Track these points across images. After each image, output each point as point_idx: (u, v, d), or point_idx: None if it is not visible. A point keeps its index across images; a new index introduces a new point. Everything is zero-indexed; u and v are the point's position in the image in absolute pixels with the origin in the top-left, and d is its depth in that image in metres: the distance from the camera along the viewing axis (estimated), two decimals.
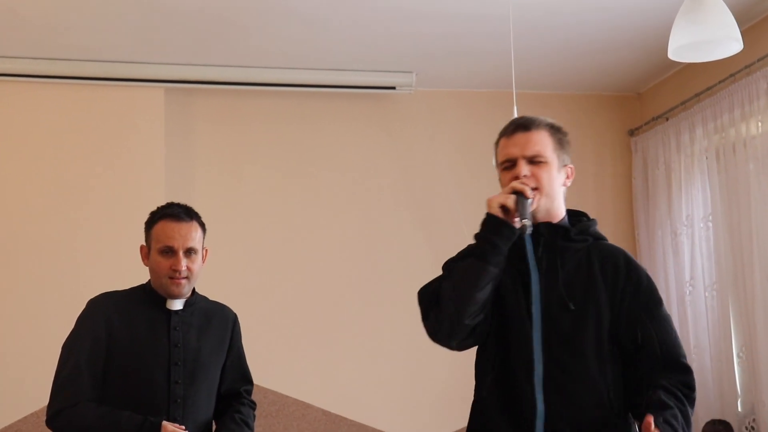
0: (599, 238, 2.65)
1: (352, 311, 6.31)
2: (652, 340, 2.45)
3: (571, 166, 2.64)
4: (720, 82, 5.66)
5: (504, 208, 2.45)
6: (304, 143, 6.41)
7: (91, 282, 5.63)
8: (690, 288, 6.02)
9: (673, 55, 4.18)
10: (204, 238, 3.28)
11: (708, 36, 3.95)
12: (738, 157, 5.56)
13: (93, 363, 3.01)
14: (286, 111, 6.40)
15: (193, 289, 3.29)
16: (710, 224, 5.88)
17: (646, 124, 6.58)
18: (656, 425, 2.23)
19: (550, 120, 2.63)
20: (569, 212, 2.63)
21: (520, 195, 2.44)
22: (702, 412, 5.74)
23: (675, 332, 2.53)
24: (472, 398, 2.68)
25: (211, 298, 6.03)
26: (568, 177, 2.62)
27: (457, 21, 5.36)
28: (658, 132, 6.40)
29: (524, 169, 2.51)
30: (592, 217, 2.83)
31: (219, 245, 6.15)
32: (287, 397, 6.12)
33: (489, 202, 2.49)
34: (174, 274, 3.11)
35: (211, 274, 6.09)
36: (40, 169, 5.88)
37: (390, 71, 6.22)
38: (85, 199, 5.90)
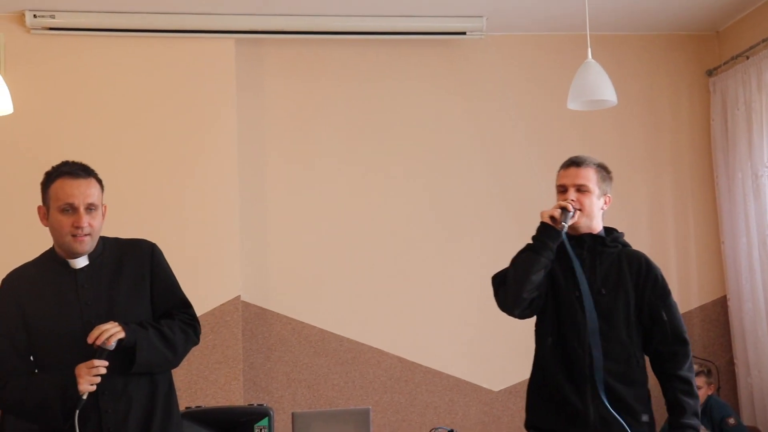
0: (626, 245, 3.53)
1: (425, 261, 6.25)
2: (663, 320, 3.39)
3: (610, 195, 3.52)
4: None
5: (552, 218, 3.38)
6: (373, 91, 6.30)
7: (174, 231, 5.71)
8: None
9: None
10: (102, 194, 3.14)
11: None
12: None
13: (15, 344, 3.03)
14: (355, 59, 6.29)
15: (100, 238, 3.16)
16: None
17: (725, 63, 6.32)
18: None
19: (597, 160, 3.52)
20: (605, 228, 3.55)
21: (564, 210, 3.38)
22: None
23: (680, 315, 3.45)
24: (533, 351, 3.57)
25: (282, 248, 6.10)
26: (606, 203, 3.51)
27: None
28: (738, 71, 6.13)
29: (572, 194, 3.43)
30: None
31: (291, 195, 6.18)
32: (363, 344, 6.13)
33: (542, 214, 3.41)
34: (76, 232, 3.01)
35: (283, 225, 6.12)
36: (117, 121, 5.86)
37: (460, 16, 6.02)
38: (160, 150, 5.87)
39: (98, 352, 2.91)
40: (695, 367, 5.66)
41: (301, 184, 6.19)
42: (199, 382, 5.68)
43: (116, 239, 3.23)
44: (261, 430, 4.28)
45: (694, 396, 3.38)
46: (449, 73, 6.35)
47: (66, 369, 2.94)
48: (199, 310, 5.34)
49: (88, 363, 2.90)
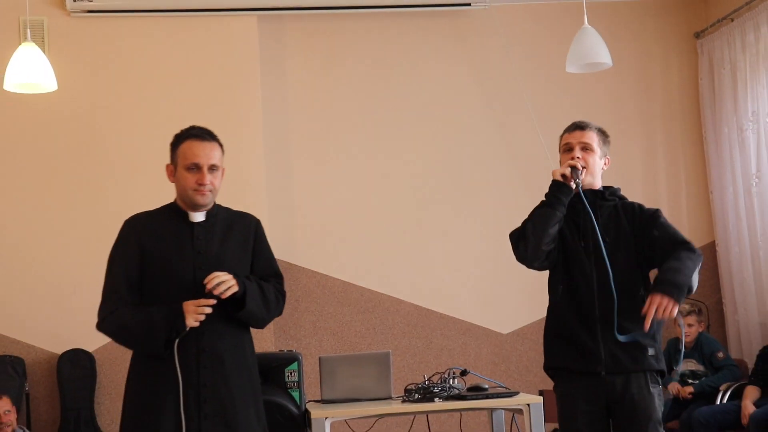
0: (622, 198, 3.62)
1: (437, 215, 6.46)
2: (655, 236, 3.43)
3: (609, 157, 3.61)
4: None
5: (563, 176, 3.46)
6: (388, 60, 6.49)
7: None
8: (756, 180, 6.02)
9: None
10: (223, 157, 3.37)
11: None
12: None
13: (129, 276, 3.21)
14: (369, 31, 6.48)
15: (215, 203, 3.40)
16: None
17: (711, 26, 6.48)
18: (656, 293, 3.21)
19: (597, 125, 3.62)
20: (603, 186, 3.64)
21: (573, 168, 3.46)
22: None
23: (674, 228, 3.48)
24: (541, 296, 3.64)
25: (306, 207, 6.30)
26: (606, 164, 3.60)
27: None
28: (724, 33, 6.31)
29: (578, 152, 3.52)
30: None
31: (313, 160, 6.40)
32: (382, 294, 6.36)
33: (553, 173, 3.49)
34: (199, 187, 3.24)
35: (307, 188, 6.34)
36: (150, 96, 6.08)
37: None
38: (192, 121, 5.99)
39: (208, 295, 3.11)
40: (686, 306, 5.87)
41: (323, 150, 6.39)
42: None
43: (227, 208, 3.43)
44: (291, 373, 4.50)
45: (681, 260, 3.29)
46: (456, 42, 6.53)
47: (166, 303, 3.14)
48: None
49: (197, 301, 3.10)
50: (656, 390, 3.40)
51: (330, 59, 6.44)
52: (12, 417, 5.20)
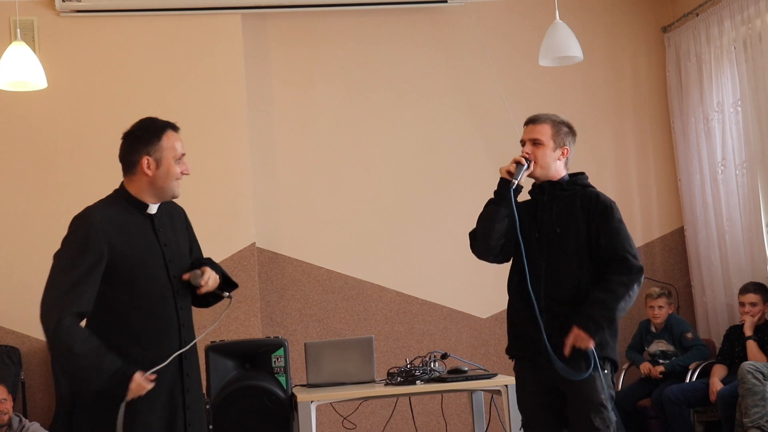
0: (586, 186, 3.58)
1: (418, 205, 6.47)
2: (601, 244, 3.44)
3: (567, 147, 3.57)
4: None
5: (509, 173, 3.52)
6: (368, 55, 6.49)
7: (194, 189, 5.77)
8: (722, 168, 6.07)
9: None
10: None
11: None
12: (764, 45, 5.53)
13: (94, 279, 2.95)
14: (351, 28, 6.47)
15: None
16: (739, 109, 5.87)
17: (677, 20, 6.51)
18: (577, 326, 3.35)
19: (557, 117, 3.60)
20: (571, 174, 3.61)
21: (518, 164, 3.52)
22: (735, 277, 5.89)
23: (624, 237, 3.48)
24: None
25: (291, 199, 6.30)
26: (563, 155, 3.56)
27: None
28: (689, 27, 6.35)
29: (527, 148, 3.56)
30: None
31: (297, 153, 6.40)
32: (366, 282, 6.37)
33: (500, 170, 3.56)
34: (181, 177, 3.18)
35: (291, 179, 6.34)
36: (138, 92, 6.03)
37: None
38: (178, 116, 5.94)
39: (185, 289, 3.10)
40: (656, 289, 5.93)
41: (306, 142, 6.39)
42: (222, 319, 5.88)
43: None
44: (278, 359, 4.48)
45: (610, 291, 3.38)
46: (434, 37, 6.54)
47: (144, 299, 3.01)
48: (220, 256, 5.68)
49: (145, 378, 2.91)
50: (598, 373, 3.40)
51: (312, 55, 6.43)
52: (8, 405, 5.20)
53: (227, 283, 3.27)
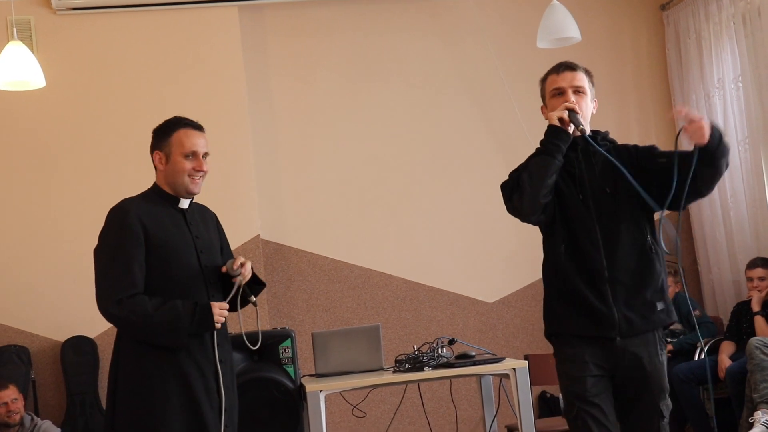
0: (613, 141, 3.29)
1: (422, 191, 6.44)
2: (666, 154, 3.15)
3: (596, 100, 3.29)
4: None
5: (560, 120, 3.10)
6: (370, 41, 6.44)
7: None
8: None
9: None
10: None
11: None
12: (763, 20, 5.46)
13: (140, 260, 3.10)
14: (350, 18, 6.43)
15: None
16: (740, 85, 5.83)
17: None
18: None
19: (583, 65, 3.30)
20: (592, 130, 3.26)
21: (571, 111, 3.11)
22: (741, 254, 5.86)
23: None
24: (530, 262, 3.45)
25: (294, 190, 6.28)
26: (594, 107, 3.27)
27: None
28: (688, 4, 6.29)
29: (571, 96, 3.16)
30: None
31: (299, 143, 6.36)
32: (372, 270, 6.34)
33: (550, 117, 3.13)
34: (195, 174, 3.24)
35: (294, 171, 6.31)
36: (137, 87, 6.00)
37: None
38: (179, 110, 5.93)
39: (216, 280, 3.22)
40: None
41: (308, 133, 6.35)
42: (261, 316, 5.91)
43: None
44: (285, 349, 4.47)
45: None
46: (434, 24, 6.48)
47: (178, 287, 3.12)
48: None
49: (220, 304, 3.13)
50: (664, 358, 3.14)
51: (312, 45, 6.38)
52: (20, 404, 5.20)
53: (256, 281, 3.37)
